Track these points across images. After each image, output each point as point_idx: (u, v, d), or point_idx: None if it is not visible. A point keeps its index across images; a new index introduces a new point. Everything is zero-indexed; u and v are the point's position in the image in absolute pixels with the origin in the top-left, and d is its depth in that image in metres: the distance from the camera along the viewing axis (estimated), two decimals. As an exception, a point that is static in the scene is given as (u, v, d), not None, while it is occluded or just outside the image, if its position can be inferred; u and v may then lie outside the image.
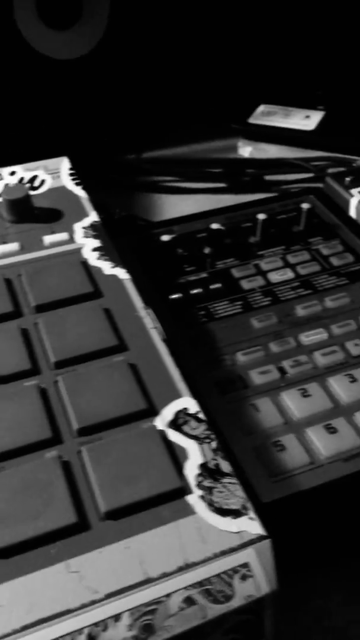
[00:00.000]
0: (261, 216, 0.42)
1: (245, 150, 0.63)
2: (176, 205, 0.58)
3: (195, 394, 0.32)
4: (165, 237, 0.41)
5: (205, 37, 0.67)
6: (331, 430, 0.30)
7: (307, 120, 0.63)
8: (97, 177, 0.58)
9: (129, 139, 0.64)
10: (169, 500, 0.24)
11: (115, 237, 0.43)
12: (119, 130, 0.64)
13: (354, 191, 0.46)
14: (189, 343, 0.35)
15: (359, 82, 0.67)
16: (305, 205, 0.43)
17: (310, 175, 0.56)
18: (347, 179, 0.47)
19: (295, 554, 0.29)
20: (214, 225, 0.42)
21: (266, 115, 0.65)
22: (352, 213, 0.45)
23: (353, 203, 0.45)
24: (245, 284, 0.39)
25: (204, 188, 0.60)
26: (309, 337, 0.35)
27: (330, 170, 0.55)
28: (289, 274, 0.40)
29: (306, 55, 0.70)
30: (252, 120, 0.64)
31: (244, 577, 0.22)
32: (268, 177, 0.59)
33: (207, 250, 0.41)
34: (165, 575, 0.22)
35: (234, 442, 0.30)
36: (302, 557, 0.29)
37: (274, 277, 0.39)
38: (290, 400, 0.32)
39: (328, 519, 0.29)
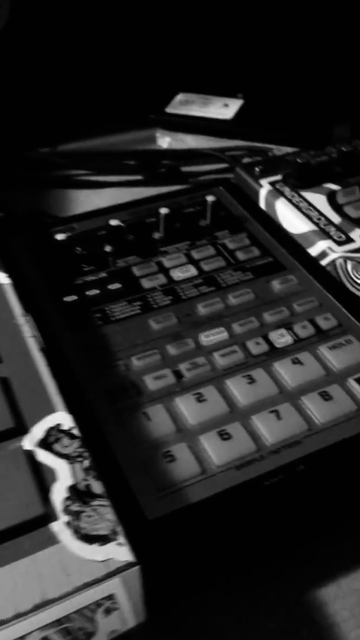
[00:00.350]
0: (164, 210, 0.40)
1: (164, 140, 0.61)
2: (91, 201, 0.56)
3: (84, 404, 0.30)
4: (60, 236, 0.39)
5: (121, 24, 0.65)
6: (225, 436, 0.29)
7: (225, 109, 0.62)
8: (2, 174, 0.55)
9: (43, 133, 0.61)
10: (30, 529, 0.21)
11: (14, 236, 0.41)
12: (31, 124, 0.61)
13: (263, 181, 0.45)
14: (82, 348, 0.33)
15: (279, 69, 0.66)
16: (210, 198, 0.41)
17: (227, 166, 0.55)
18: (257, 169, 0.45)
19: (186, 572, 0.27)
20: (113, 222, 0.40)
21: (184, 104, 0.63)
22: (262, 204, 0.44)
23: (262, 194, 0.44)
24: (146, 283, 0.37)
25: (120, 181, 0.57)
26: (208, 338, 0.33)
27: (244, 161, 0.54)
28: (192, 271, 0.38)
29: (226, 41, 0.68)
30: (170, 109, 0.62)
31: (108, 611, 0.20)
32: (185, 169, 0.57)
33: (107, 248, 0.39)
34: (19, 616, 0.20)
35: (121, 455, 0.28)
36: (194, 575, 0.28)
37: (176, 274, 0.38)
38: (184, 406, 0.30)
39: (221, 533, 0.27)
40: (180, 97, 0.64)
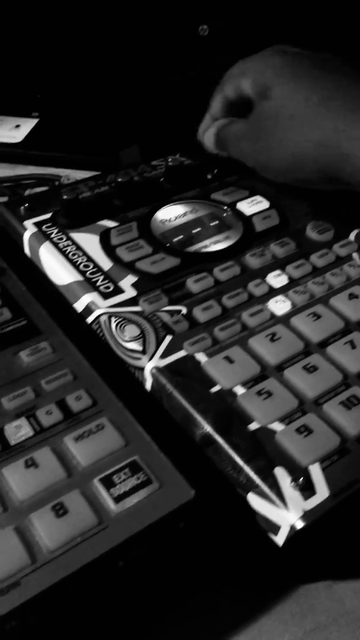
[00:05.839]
0: None
1: None
2: None
3: None
4: None
5: None
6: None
7: (15, 130, 0.54)
8: None
9: None
10: None
11: None
12: None
13: (28, 223, 0.38)
14: None
15: (77, 85, 0.60)
16: None
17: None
18: (23, 207, 0.39)
19: None
20: None
21: (-33, 127, 0.55)
22: (27, 250, 0.37)
23: (26, 238, 0.37)
24: None
25: None
26: None
27: (27, 193, 0.47)
28: None
29: (24, 54, 0.61)
30: None
31: None
32: None
33: None
34: None
35: None
36: None
37: None
38: None
39: None
40: (-36, 118, 0.56)
